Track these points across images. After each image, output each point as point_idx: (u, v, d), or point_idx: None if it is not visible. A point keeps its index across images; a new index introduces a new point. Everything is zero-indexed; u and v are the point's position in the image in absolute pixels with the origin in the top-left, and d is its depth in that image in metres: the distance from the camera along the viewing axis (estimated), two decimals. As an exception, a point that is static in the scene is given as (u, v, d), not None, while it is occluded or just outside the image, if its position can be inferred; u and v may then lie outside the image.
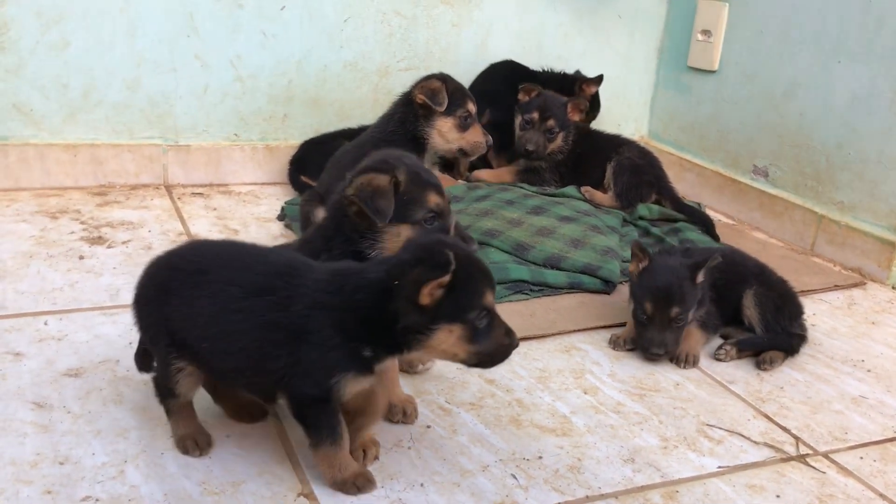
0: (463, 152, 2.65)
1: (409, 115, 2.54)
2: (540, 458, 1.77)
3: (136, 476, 1.61)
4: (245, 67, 3.35)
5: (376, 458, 1.70)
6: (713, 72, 3.70)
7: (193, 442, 1.68)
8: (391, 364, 1.84)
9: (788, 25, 3.31)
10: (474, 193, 3.35)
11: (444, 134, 2.57)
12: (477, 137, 2.62)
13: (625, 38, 3.96)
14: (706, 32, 3.70)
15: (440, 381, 2.05)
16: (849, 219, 3.09)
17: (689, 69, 3.84)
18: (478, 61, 3.69)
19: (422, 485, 1.65)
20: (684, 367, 2.20)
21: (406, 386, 1.99)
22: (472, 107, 2.60)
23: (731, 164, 3.63)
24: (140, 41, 3.17)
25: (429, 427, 1.84)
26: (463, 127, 2.59)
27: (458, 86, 2.60)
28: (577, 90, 3.55)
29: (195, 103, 3.32)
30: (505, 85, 3.48)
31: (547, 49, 3.81)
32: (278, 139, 3.48)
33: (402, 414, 1.83)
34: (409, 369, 2.03)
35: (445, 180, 3.42)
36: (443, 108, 2.51)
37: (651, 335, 2.19)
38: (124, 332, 2.14)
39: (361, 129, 3.24)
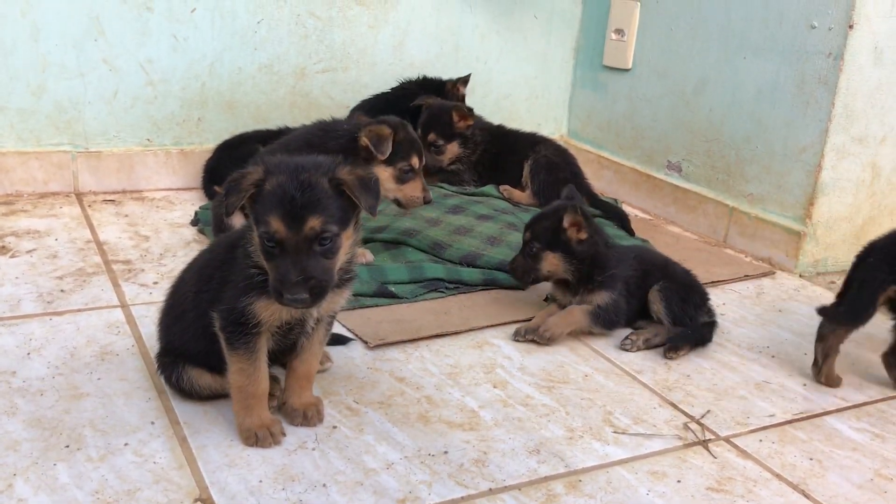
0: (398, 203, 2.59)
1: (351, 150, 2.42)
2: (445, 453, 1.76)
3: (24, 489, 1.56)
4: (156, 71, 3.28)
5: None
6: (627, 70, 3.77)
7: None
8: (306, 369, 1.82)
9: (697, 23, 3.39)
10: (393, 194, 3.35)
11: (381, 182, 2.40)
12: (415, 192, 2.55)
13: (541, 38, 4.00)
14: (619, 31, 3.77)
15: (349, 381, 2.03)
16: (758, 210, 3.17)
17: (604, 68, 3.90)
18: (395, 62, 3.69)
19: (324, 485, 1.63)
20: (540, 342, 2.27)
21: (315, 387, 1.96)
22: (416, 161, 2.53)
23: (646, 160, 3.69)
24: (44, 45, 3.08)
25: (335, 427, 1.83)
26: (401, 179, 2.52)
27: (410, 137, 2.54)
28: (450, 93, 3.56)
29: (105, 108, 3.24)
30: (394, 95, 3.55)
31: (464, 50, 3.83)
32: (193, 143, 3.43)
33: (302, 417, 1.80)
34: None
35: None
36: (384, 157, 2.45)
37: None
38: (22, 343, 2.08)
39: (277, 132, 3.23)
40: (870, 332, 2.49)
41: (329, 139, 2.48)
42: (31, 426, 1.75)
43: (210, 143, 3.37)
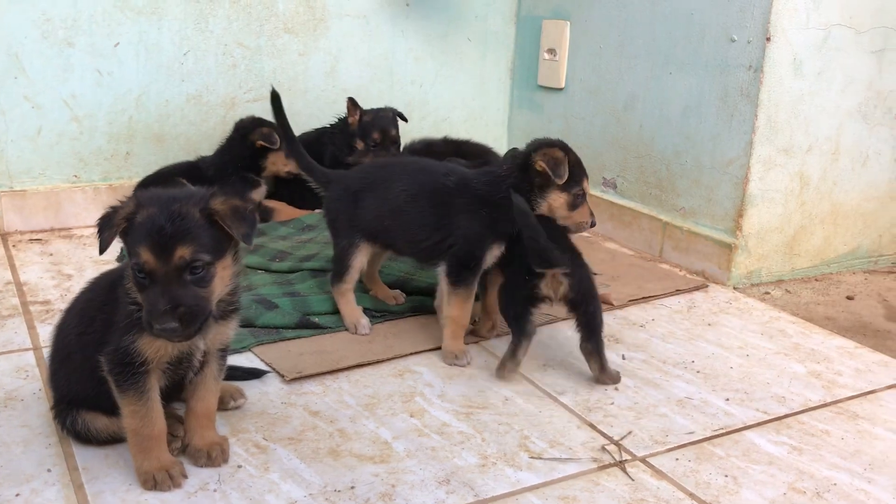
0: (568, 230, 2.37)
1: (524, 179, 2.27)
2: (352, 488, 1.72)
3: None
4: (80, 107, 3.24)
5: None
6: (560, 89, 3.78)
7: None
8: (204, 408, 1.78)
9: (624, 40, 3.40)
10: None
11: (555, 211, 2.29)
12: (584, 218, 2.34)
13: (477, 60, 4.00)
14: (552, 51, 3.78)
15: (261, 417, 1.99)
16: (690, 224, 3.17)
17: (539, 88, 3.91)
18: (328, 88, 3.67)
19: (222, 527, 1.58)
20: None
21: (224, 425, 1.92)
22: (587, 185, 2.36)
23: (584, 177, 3.68)
24: (-39, 84, 3.03)
25: (240, 467, 1.78)
26: (573, 205, 2.31)
27: (578, 160, 2.36)
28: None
29: (29, 146, 3.19)
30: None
31: (399, 75, 3.82)
32: (122, 178, 3.38)
33: (206, 458, 1.76)
34: (220, 407, 1.96)
35: (291, 211, 3.38)
36: (561, 181, 2.25)
37: None
38: (-76, 392, 2.02)
39: (196, 163, 3.21)
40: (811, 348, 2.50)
41: (497, 178, 2.31)
42: (-80, 479, 1.68)
43: (139, 177, 3.32)
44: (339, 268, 2.44)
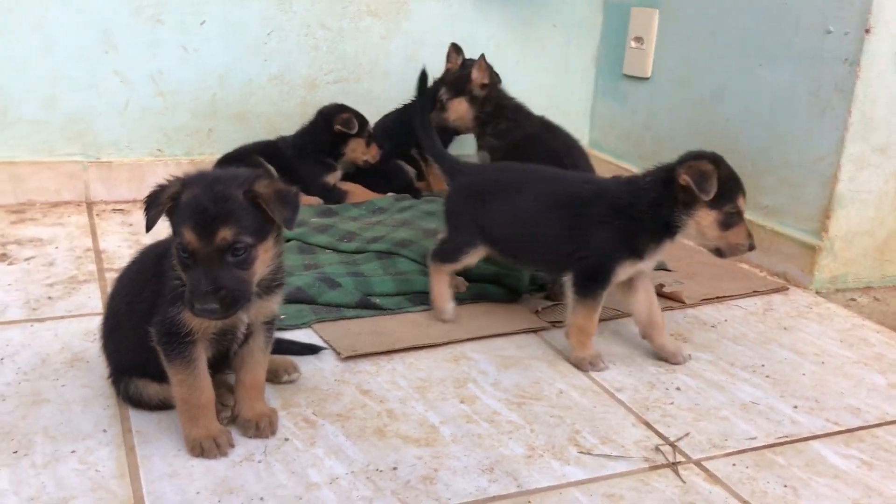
0: (718, 252, 2.18)
1: (666, 194, 2.11)
2: (394, 469, 1.71)
3: (-37, 494, 1.56)
4: (167, 83, 3.33)
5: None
6: (646, 79, 3.67)
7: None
8: (252, 379, 1.80)
9: (715, 29, 3.27)
10: (399, 205, 3.33)
11: (703, 230, 2.11)
12: (740, 239, 2.14)
13: (561, 47, 3.93)
14: (639, 39, 3.67)
15: (313, 392, 1.99)
16: (774, 223, 3.03)
17: (624, 77, 3.81)
18: (408, 73, 3.66)
19: (262, 498, 1.59)
20: None
21: (276, 398, 1.94)
22: (742, 202, 2.14)
23: (665, 171, 3.57)
24: (56, 58, 3.15)
25: (287, 440, 1.79)
26: (726, 224, 2.11)
27: (732, 174, 2.14)
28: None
29: (116, 119, 3.30)
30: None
31: (480, 60, 3.77)
32: (204, 154, 3.46)
33: (254, 429, 1.77)
34: (274, 380, 1.98)
35: (364, 193, 3.39)
36: (708, 198, 2.04)
37: None
38: (-1, 349, 2.11)
39: (275, 142, 3.26)
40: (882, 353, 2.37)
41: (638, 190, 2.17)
42: (-15, 431, 1.76)
43: (220, 154, 3.39)
44: (447, 254, 2.38)
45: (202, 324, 1.65)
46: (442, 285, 2.40)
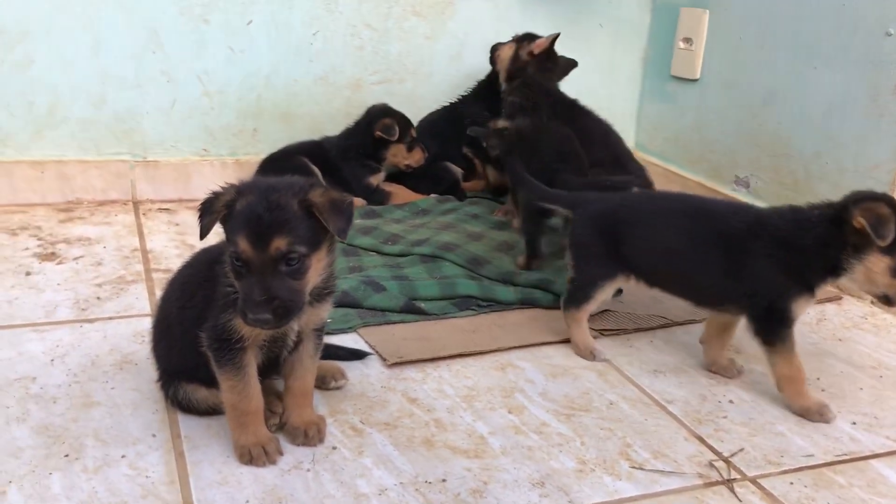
0: (886, 299, 2.00)
1: (835, 236, 1.97)
2: (444, 481, 1.69)
3: (17, 497, 1.57)
4: (212, 83, 3.34)
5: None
6: (695, 80, 3.60)
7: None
8: (301, 386, 1.79)
9: (766, 31, 3.20)
10: (443, 207, 3.31)
11: (874, 276, 1.96)
12: None
13: (607, 48, 3.87)
14: (688, 40, 3.61)
15: (360, 399, 1.98)
16: (827, 230, 2.95)
17: (672, 78, 3.74)
18: (452, 73, 3.64)
19: (311, 509, 1.58)
20: None
21: (323, 405, 1.93)
22: None
23: (713, 174, 3.52)
24: (104, 58, 3.17)
25: (335, 448, 1.78)
26: None
27: None
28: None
29: (162, 119, 3.32)
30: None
31: (525, 60, 3.74)
32: (248, 153, 3.46)
33: (303, 437, 1.76)
34: (321, 386, 1.97)
35: (407, 195, 3.38)
36: (885, 243, 1.89)
37: None
38: (49, 350, 2.12)
39: (319, 143, 3.25)
40: (936, 368, 2.29)
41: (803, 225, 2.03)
42: (37, 433, 1.76)
43: (265, 154, 3.39)
44: (578, 294, 2.26)
45: (253, 331, 1.64)
46: (582, 331, 2.28)
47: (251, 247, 1.53)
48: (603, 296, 2.26)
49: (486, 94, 3.50)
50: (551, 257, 2.77)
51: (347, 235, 1.61)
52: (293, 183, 1.61)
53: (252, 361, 1.69)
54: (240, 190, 1.59)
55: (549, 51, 3.37)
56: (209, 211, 1.60)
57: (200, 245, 1.84)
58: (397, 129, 3.27)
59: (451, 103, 3.58)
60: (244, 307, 1.54)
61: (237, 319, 1.63)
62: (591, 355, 2.25)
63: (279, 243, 1.53)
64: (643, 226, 2.19)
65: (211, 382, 1.75)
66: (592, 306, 2.28)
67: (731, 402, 2.07)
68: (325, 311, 1.76)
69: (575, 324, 2.28)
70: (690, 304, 2.20)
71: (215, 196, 1.60)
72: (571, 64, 3.47)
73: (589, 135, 3.07)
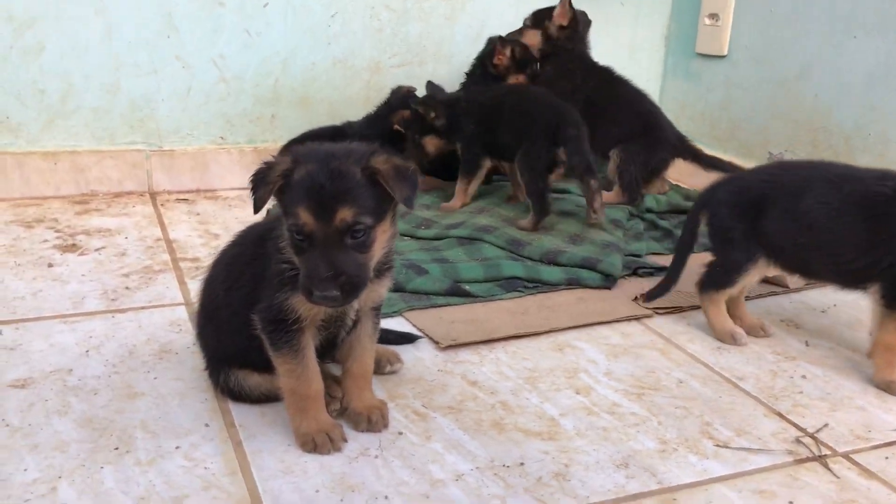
0: None
1: None
2: (522, 464, 1.58)
3: (69, 493, 1.45)
4: (229, 68, 3.22)
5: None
6: (722, 57, 3.52)
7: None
8: (360, 368, 1.68)
9: (798, 4, 3.12)
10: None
11: None
12: None
13: (628, 25, 3.78)
14: (714, 16, 3.52)
15: (418, 384, 1.87)
16: (871, 204, 2.87)
17: (697, 55, 3.66)
18: (472, 54, 3.52)
19: (386, 497, 1.47)
20: None
21: (380, 390, 1.82)
22: None
23: (745, 152, 3.43)
24: (117, 44, 3.05)
25: (400, 434, 1.67)
26: None
27: None
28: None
29: (178, 106, 3.20)
30: None
31: (546, 40, 3.64)
32: (267, 140, 3.35)
33: (366, 422, 1.65)
34: (377, 370, 1.86)
35: (431, 181, 3.27)
36: None
37: None
38: (82, 341, 2.00)
39: (342, 127, 3.14)
40: None
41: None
42: (81, 426, 1.65)
43: (283, 140, 3.27)
44: (719, 277, 2.13)
45: (311, 310, 1.53)
46: (720, 313, 2.16)
47: (314, 219, 1.41)
48: (746, 281, 2.13)
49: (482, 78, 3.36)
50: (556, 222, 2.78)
51: (414, 204, 1.50)
52: (354, 149, 1.50)
53: (310, 343, 1.58)
54: (297, 158, 1.48)
55: (572, 13, 3.30)
56: (263, 182, 1.48)
57: (229, 232, 1.71)
58: None
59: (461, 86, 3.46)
60: (309, 284, 1.43)
61: (294, 298, 1.52)
62: (731, 339, 2.13)
63: (345, 214, 1.42)
64: (779, 201, 2.05)
65: (264, 367, 1.64)
66: (734, 291, 2.15)
67: (803, 377, 1.98)
68: (385, 288, 1.66)
69: (713, 306, 2.16)
70: (835, 287, 2.08)
71: (269, 166, 1.48)
72: (585, 15, 3.40)
73: (628, 101, 3.19)
